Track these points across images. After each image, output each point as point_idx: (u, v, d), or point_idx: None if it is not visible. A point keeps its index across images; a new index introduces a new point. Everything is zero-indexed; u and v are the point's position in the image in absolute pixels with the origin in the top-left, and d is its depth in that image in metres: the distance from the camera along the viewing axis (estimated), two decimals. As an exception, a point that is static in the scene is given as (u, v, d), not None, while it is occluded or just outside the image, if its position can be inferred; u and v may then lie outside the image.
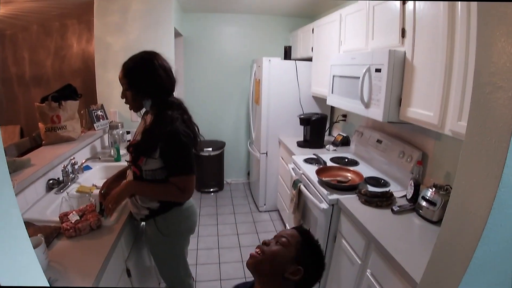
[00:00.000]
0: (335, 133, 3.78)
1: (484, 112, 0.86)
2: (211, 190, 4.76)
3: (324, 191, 2.20)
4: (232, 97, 4.89)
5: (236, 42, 4.70)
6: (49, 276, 1.29)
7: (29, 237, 1.43)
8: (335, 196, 2.14)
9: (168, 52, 3.55)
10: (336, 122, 3.73)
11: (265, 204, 4.14)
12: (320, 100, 3.73)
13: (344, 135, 3.43)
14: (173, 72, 1.77)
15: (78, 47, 4.53)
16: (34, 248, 1.31)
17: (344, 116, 3.58)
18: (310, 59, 3.67)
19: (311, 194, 2.40)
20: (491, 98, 0.84)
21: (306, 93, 3.79)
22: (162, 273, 2.01)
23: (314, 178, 2.41)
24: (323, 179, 2.30)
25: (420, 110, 1.80)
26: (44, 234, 1.53)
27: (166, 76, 1.71)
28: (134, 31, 3.51)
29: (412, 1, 1.82)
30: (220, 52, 4.69)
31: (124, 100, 1.74)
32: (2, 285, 0.62)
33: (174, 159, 1.66)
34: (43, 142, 2.76)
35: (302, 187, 2.54)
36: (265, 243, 1.19)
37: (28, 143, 3.47)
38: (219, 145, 4.70)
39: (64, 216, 1.69)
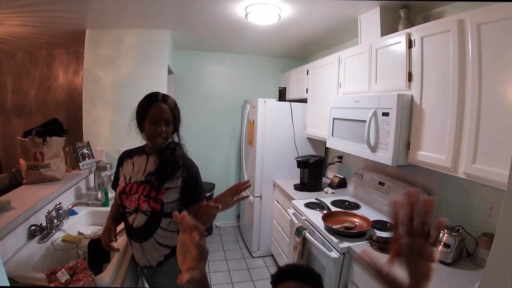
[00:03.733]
0: (330, 175, 3.72)
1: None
2: (200, 234, 4.53)
3: (334, 239, 2.09)
4: (222, 137, 4.80)
5: (226, 82, 4.68)
6: None
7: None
8: (346, 244, 2.03)
9: (160, 88, 3.46)
10: (331, 163, 3.68)
11: (258, 250, 3.95)
12: (315, 142, 3.69)
13: (341, 176, 3.37)
14: None
15: (64, 78, 4.34)
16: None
17: (340, 157, 3.54)
18: (303, 100, 3.67)
19: (318, 242, 2.28)
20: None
21: (301, 135, 3.76)
22: None
23: (320, 224, 2.30)
24: (333, 226, 2.20)
25: (431, 153, 1.78)
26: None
27: None
28: (126, 65, 3.41)
29: (419, 45, 1.84)
30: (210, 91, 4.65)
31: (158, 132, 1.67)
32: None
33: (195, 187, 1.73)
34: (24, 180, 2.52)
35: (308, 234, 2.42)
36: None
37: (6, 180, 3.19)
38: (208, 187, 4.53)
39: (51, 274, 1.49)
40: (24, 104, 4.41)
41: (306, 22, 2.91)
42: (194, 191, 1.72)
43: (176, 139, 1.80)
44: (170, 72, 4.14)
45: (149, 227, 1.66)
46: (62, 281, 1.47)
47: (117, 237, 1.87)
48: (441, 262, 1.76)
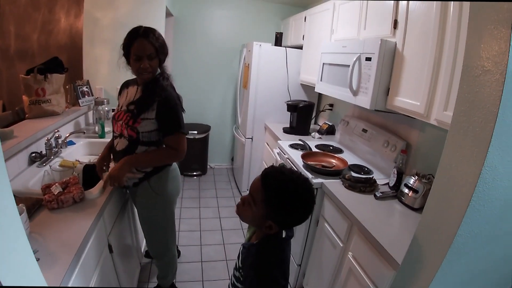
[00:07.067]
0: (321, 122, 3.82)
1: (472, 93, 0.90)
2: (194, 174, 4.75)
3: (309, 175, 2.24)
4: (220, 80, 4.84)
5: (227, 26, 4.63)
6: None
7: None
8: (319, 180, 2.18)
9: (158, 30, 3.50)
10: (322, 111, 3.76)
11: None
12: (308, 88, 3.76)
13: (330, 124, 3.48)
14: None
15: (66, 22, 4.37)
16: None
17: (331, 105, 3.62)
18: (300, 47, 3.68)
19: (295, 178, 2.42)
20: (479, 81, 0.88)
21: (295, 81, 3.81)
22: (150, 237, 2.16)
23: (299, 162, 2.45)
24: (308, 163, 2.34)
25: (407, 99, 1.85)
26: (25, 205, 1.49)
27: None
28: (124, 6, 3.43)
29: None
30: (210, 34, 4.61)
31: (142, 69, 1.76)
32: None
33: (169, 118, 1.80)
34: (26, 115, 2.69)
35: (287, 171, 2.57)
36: (242, 200, 1.20)
37: (10, 117, 3.35)
38: (204, 129, 4.66)
39: (46, 188, 1.66)
40: (27, 49, 4.45)
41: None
42: (169, 123, 1.81)
43: (168, 71, 1.90)
44: (169, 14, 4.12)
45: (127, 151, 1.84)
46: (55, 193, 1.62)
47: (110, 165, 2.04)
48: (409, 206, 1.89)
